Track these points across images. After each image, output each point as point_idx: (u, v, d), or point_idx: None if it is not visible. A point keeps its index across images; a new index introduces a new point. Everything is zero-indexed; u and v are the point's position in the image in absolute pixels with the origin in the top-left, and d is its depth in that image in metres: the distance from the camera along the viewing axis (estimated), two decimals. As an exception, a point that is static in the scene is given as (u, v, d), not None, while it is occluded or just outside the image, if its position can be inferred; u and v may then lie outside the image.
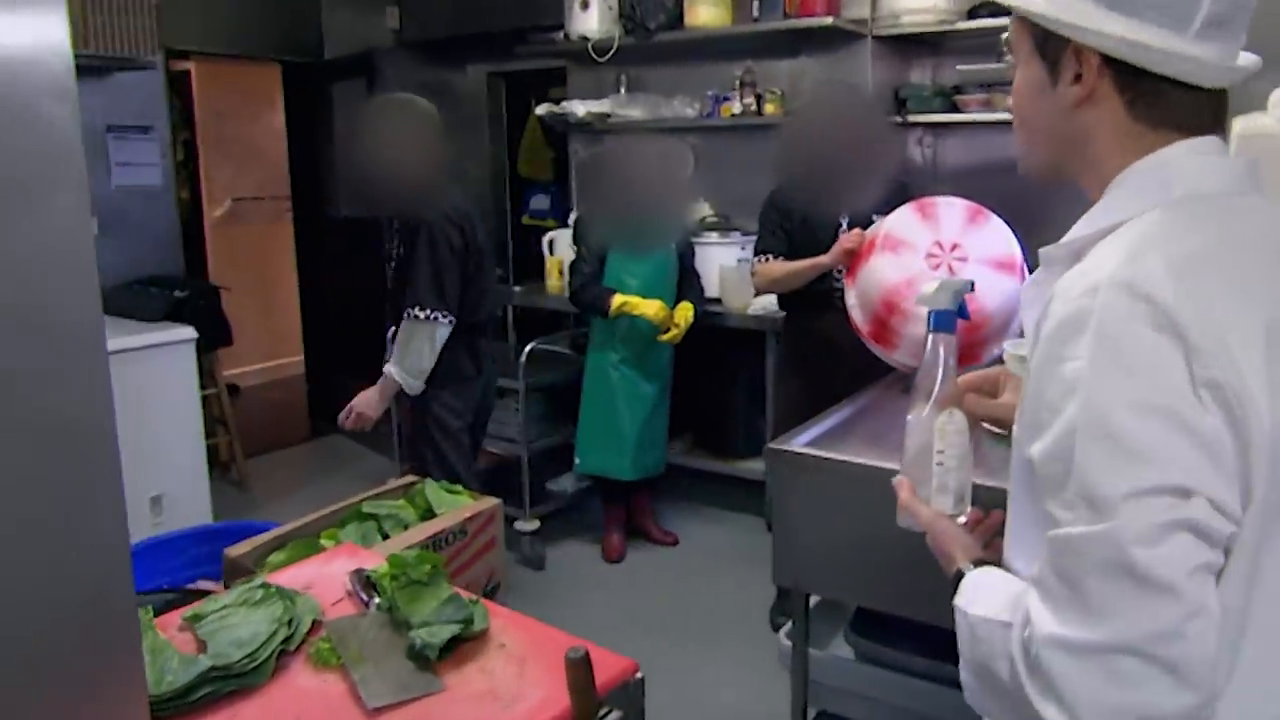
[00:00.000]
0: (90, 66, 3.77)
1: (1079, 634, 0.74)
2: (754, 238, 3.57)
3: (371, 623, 1.19)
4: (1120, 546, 0.72)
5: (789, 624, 1.92)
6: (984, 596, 0.88)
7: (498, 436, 3.65)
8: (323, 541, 1.95)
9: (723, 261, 3.53)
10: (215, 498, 3.93)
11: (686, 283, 3.41)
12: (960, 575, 0.94)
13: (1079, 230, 0.89)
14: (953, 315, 1.05)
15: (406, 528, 2.13)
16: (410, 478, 2.38)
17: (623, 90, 4.03)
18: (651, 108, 3.90)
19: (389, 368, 2.73)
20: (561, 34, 3.97)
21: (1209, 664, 0.72)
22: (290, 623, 1.14)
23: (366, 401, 2.80)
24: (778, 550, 1.81)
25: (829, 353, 2.63)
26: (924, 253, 2.14)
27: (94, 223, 3.86)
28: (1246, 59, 0.87)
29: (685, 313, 3.30)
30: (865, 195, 2.56)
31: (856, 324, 2.26)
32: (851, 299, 2.28)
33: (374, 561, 1.36)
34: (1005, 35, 0.95)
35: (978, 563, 0.96)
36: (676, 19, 3.65)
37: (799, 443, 1.80)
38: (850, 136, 2.49)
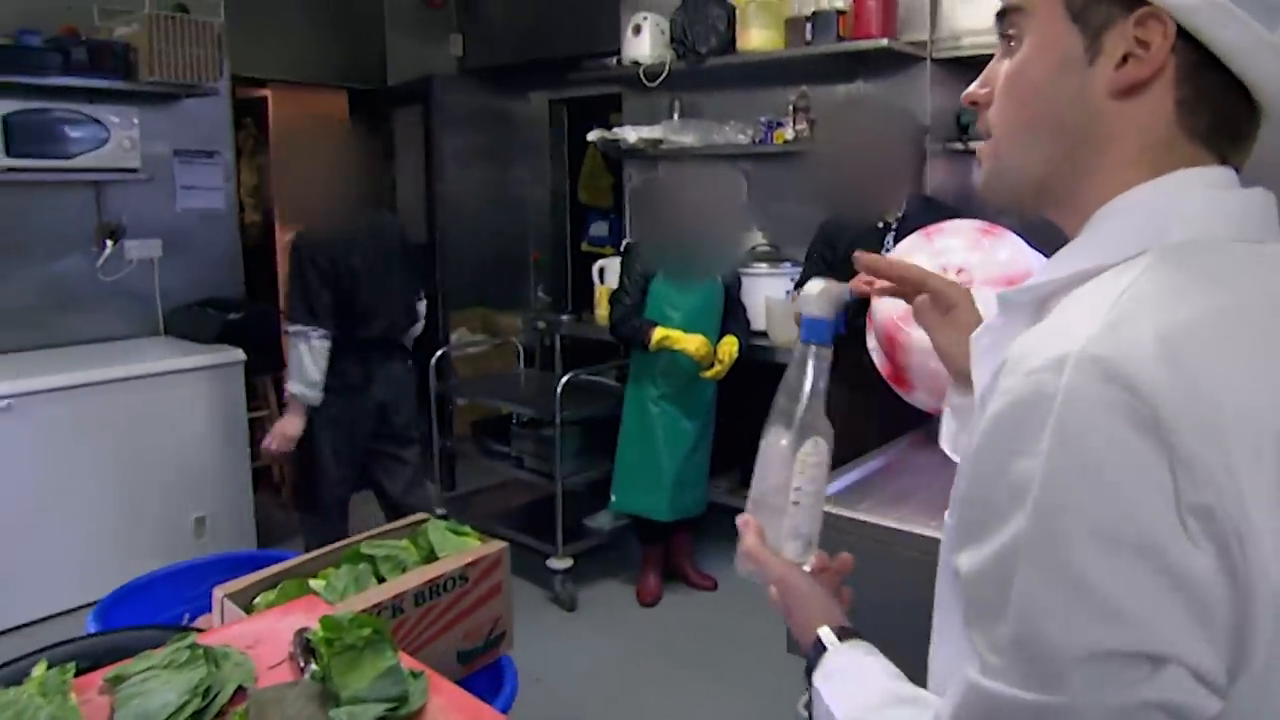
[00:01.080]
0: (158, 94, 3.86)
1: None
2: (806, 266, 3.44)
3: (299, 694, 1.09)
4: None
5: (806, 696, 1.78)
6: (851, 689, 0.74)
7: (534, 470, 3.57)
8: (313, 584, 1.87)
9: (770, 293, 3.39)
10: (264, 521, 3.96)
11: (732, 315, 3.28)
12: (821, 647, 0.79)
13: (1050, 271, 0.70)
14: (827, 325, 0.87)
15: (405, 570, 2.04)
16: (418, 516, 2.29)
17: (675, 116, 3.94)
18: (704, 134, 3.80)
19: (287, 385, 2.93)
20: (615, 60, 3.92)
21: None
22: (207, 692, 1.05)
23: (283, 423, 2.94)
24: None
25: (868, 393, 2.47)
26: None
27: (158, 245, 4.01)
28: None
29: (729, 348, 3.17)
30: (906, 216, 2.45)
31: (878, 367, 2.11)
32: (871, 340, 2.14)
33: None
34: (1007, 3, 0.72)
35: (841, 633, 0.80)
36: (729, 43, 3.55)
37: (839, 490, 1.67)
38: (875, 153, 2.41)
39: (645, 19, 3.72)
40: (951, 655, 0.69)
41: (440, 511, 3.82)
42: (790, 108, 3.50)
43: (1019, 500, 0.58)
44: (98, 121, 3.68)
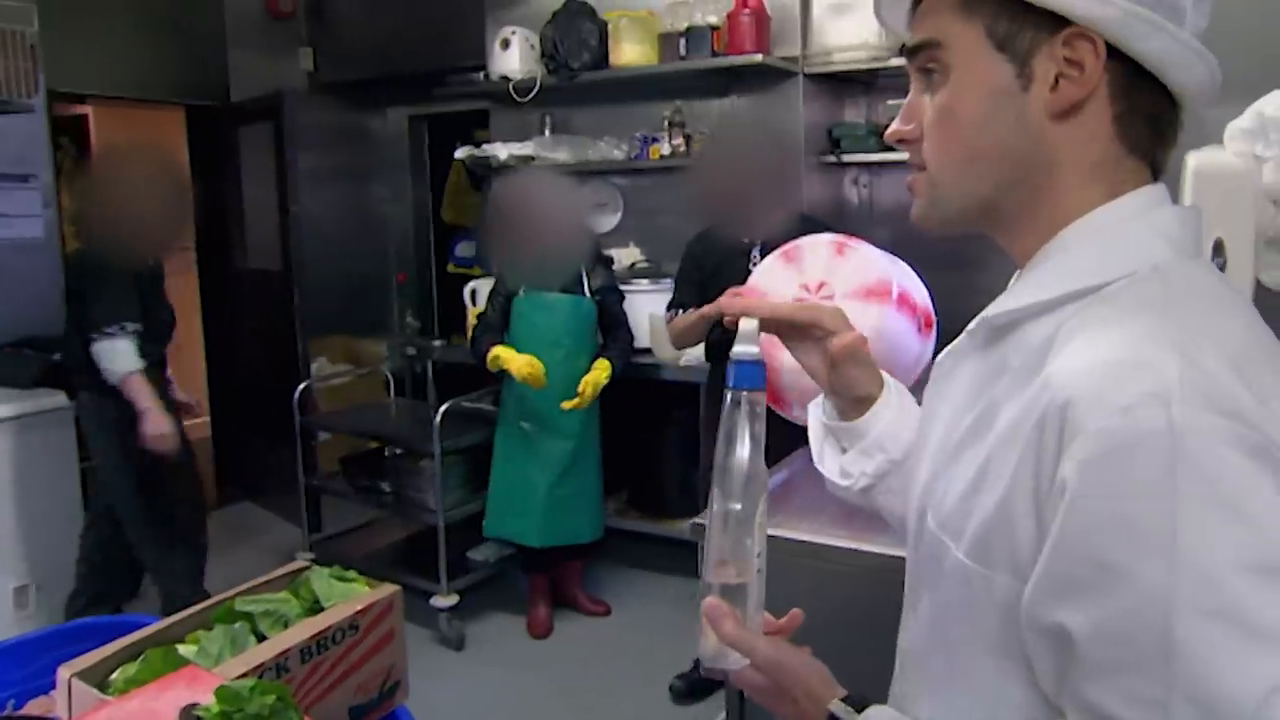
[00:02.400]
0: (-40, 109, 3.46)
1: None
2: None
3: (195, 788, 0.92)
4: None
5: (722, 715, 1.73)
6: None
7: (413, 504, 3.37)
8: (181, 650, 1.65)
9: (652, 310, 3.33)
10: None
11: (611, 334, 3.18)
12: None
13: (1022, 296, 0.68)
14: (762, 368, 0.79)
15: (287, 625, 1.83)
16: (297, 564, 2.08)
17: (547, 132, 3.85)
18: (577, 150, 3.72)
19: (120, 373, 2.82)
20: (482, 75, 3.79)
21: None
22: (75, 801, 0.86)
23: (151, 420, 2.82)
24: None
25: None
26: (791, 299, 2.00)
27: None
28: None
29: (597, 375, 3.03)
30: (773, 234, 2.43)
31: None
32: None
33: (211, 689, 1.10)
34: (926, 34, 0.70)
35: (851, 701, 0.74)
36: (601, 58, 3.49)
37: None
38: (753, 171, 2.38)
39: (514, 33, 3.62)
40: (969, 703, 0.68)
41: (308, 556, 3.56)
42: (665, 123, 3.48)
43: (1149, 548, 0.55)
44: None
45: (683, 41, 3.32)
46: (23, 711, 1.88)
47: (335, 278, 4.58)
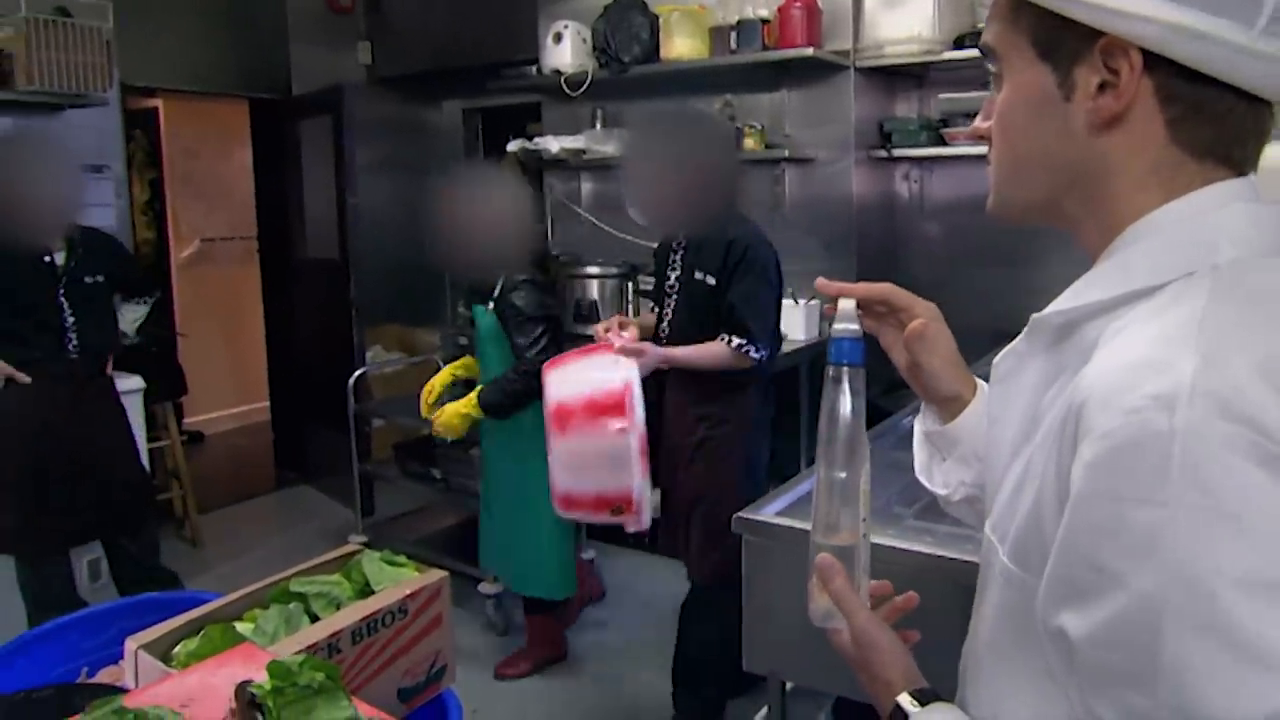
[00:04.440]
0: (38, 104, 3.58)
1: None
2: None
3: (249, 758, 0.97)
4: None
5: (765, 710, 1.74)
6: None
7: (463, 491, 3.44)
8: (239, 627, 1.72)
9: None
10: (166, 557, 3.70)
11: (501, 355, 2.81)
12: (900, 713, 0.73)
13: (1081, 295, 0.67)
14: (863, 345, 0.83)
15: (339, 607, 1.89)
16: (350, 547, 2.14)
17: (598, 125, 3.88)
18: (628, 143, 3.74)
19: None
20: (535, 68, 3.83)
21: None
22: (141, 765, 0.92)
23: None
24: (750, 633, 1.63)
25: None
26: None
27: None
28: None
29: (454, 408, 2.76)
30: (698, 233, 2.43)
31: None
32: None
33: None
34: (986, 39, 0.71)
35: (921, 695, 0.74)
36: (652, 52, 3.50)
37: (769, 511, 1.62)
38: (671, 170, 2.28)
39: (566, 27, 3.65)
40: (1018, 706, 0.67)
41: (360, 539, 3.65)
42: (715, 117, 3.48)
43: (1146, 554, 0.53)
44: (-35, 132, 3.40)
45: (734, 35, 3.31)
46: (95, 680, 1.98)
47: (390, 268, 4.67)
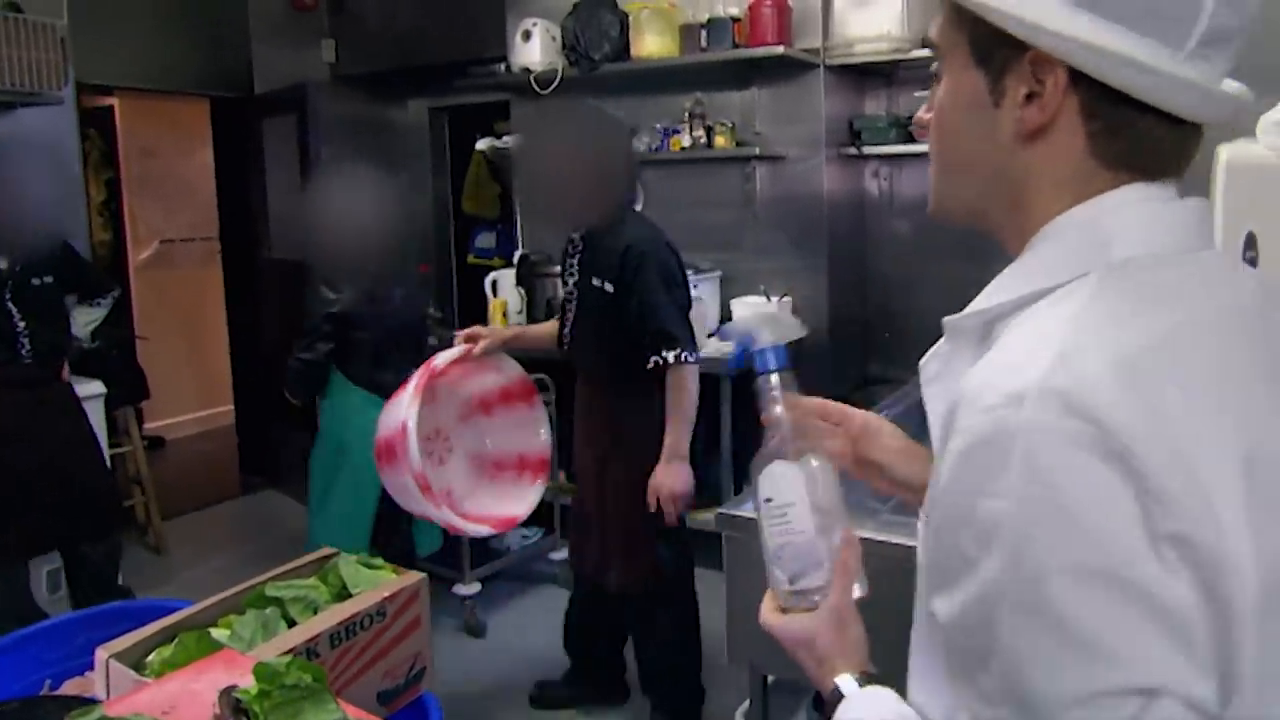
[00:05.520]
0: (-12, 101, 3.50)
1: None
2: (704, 275, 3.41)
3: (236, 766, 0.95)
4: None
5: (746, 704, 1.75)
6: None
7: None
8: (215, 634, 1.68)
9: (674, 302, 3.34)
10: (129, 565, 3.62)
11: None
12: (838, 694, 0.75)
13: (991, 297, 0.68)
14: (783, 349, 0.88)
15: (317, 611, 1.86)
16: (326, 550, 2.11)
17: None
18: (597, 142, 3.73)
19: None
20: (503, 66, 3.81)
21: None
22: (124, 775, 0.90)
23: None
24: (732, 627, 1.64)
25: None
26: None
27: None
28: (1234, 87, 0.65)
29: None
30: (593, 229, 2.38)
31: None
32: None
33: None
34: (931, 33, 0.72)
35: (862, 679, 0.76)
36: (622, 50, 3.50)
37: (749, 507, 1.63)
38: (572, 164, 2.25)
39: (535, 25, 3.63)
40: (926, 698, 0.70)
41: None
42: (686, 114, 3.48)
43: (988, 543, 0.56)
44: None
45: (704, 33, 3.32)
46: (60, 691, 1.93)
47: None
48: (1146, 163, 0.65)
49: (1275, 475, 0.56)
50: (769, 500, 0.82)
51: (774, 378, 0.85)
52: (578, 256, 2.41)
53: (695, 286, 3.33)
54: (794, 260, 3.35)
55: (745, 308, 3.44)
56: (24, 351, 2.85)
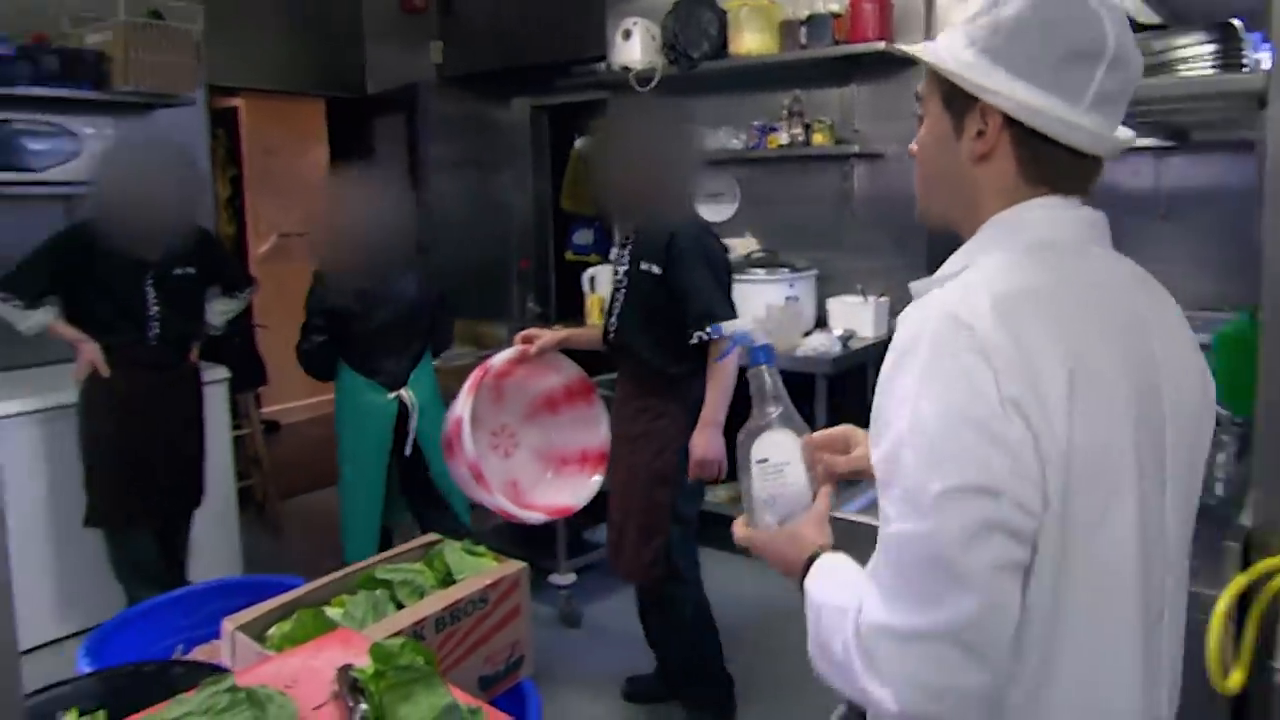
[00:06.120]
0: (132, 104, 3.74)
1: (904, 621, 0.83)
2: (801, 274, 3.40)
3: (355, 739, 1.02)
4: (940, 544, 0.81)
5: (843, 708, 1.73)
6: (830, 583, 0.95)
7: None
8: (329, 612, 1.79)
9: (770, 300, 3.35)
10: (247, 542, 3.85)
11: None
12: (814, 557, 0.99)
13: (943, 270, 0.96)
14: (772, 347, 1.13)
15: (423, 595, 1.95)
16: (431, 536, 2.21)
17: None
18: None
19: None
20: (603, 65, 3.87)
21: (1003, 649, 0.82)
22: (255, 741, 0.98)
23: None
24: None
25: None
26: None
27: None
28: (1124, 133, 0.95)
29: None
30: (643, 228, 2.46)
31: None
32: None
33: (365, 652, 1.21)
34: (918, 89, 1.01)
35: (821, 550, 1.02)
36: (721, 47, 3.51)
37: (851, 509, 1.63)
38: (620, 172, 2.36)
39: (635, 24, 3.67)
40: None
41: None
42: (784, 112, 3.47)
43: (902, 405, 0.85)
44: (69, 133, 3.55)
45: (804, 30, 3.30)
46: (190, 657, 2.08)
47: (461, 263, 4.76)
48: (1058, 182, 0.94)
49: (1089, 380, 0.84)
50: (763, 460, 1.06)
51: (764, 369, 1.10)
52: (629, 247, 2.50)
53: (791, 285, 3.34)
54: (893, 259, 3.31)
55: (843, 307, 3.42)
56: (151, 335, 3.05)
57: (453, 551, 2.10)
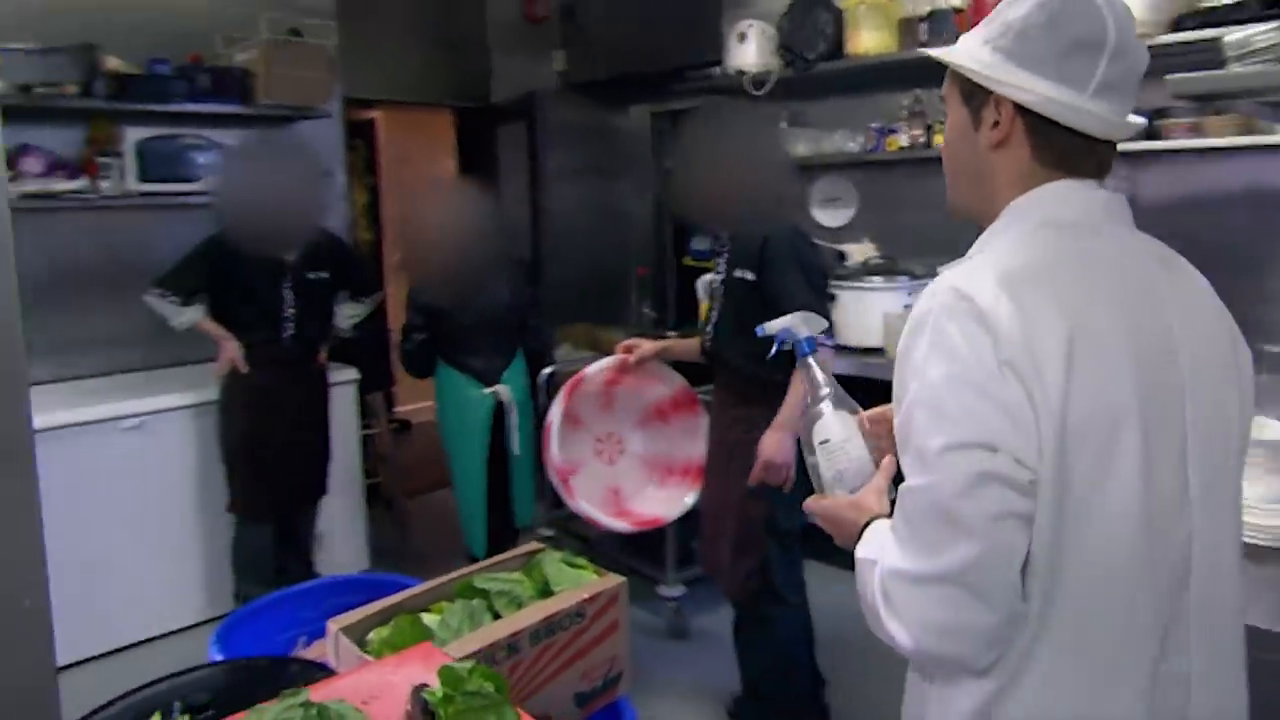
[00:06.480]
0: (274, 116, 3.96)
1: (914, 566, 0.92)
2: (921, 282, 3.28)
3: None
4: (941, 495, 0.90)
5: None
6: (869, 541, 1.03)
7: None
8: (426, 619, 1.84)
9: (887, 308, 3.24)
10: (376, 537, 4.02)
11: None
12: (868, 524, 1.07)
13: (970, 252, 1.05)
14: (814, 339, 1.26)
15: (520, 606, 1.97)
16: (532, 545, 2.23)
17: (783, 124, 3.83)
18: (813, 142, 3.68)
19: None
20: (719, 69, 3.83)
21: (1008, 591, 0.90)
22: (325, 758, 1.01)
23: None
24: None
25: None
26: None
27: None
28: (1134, 119, 1.03)
29: None
30: (739, 234, 2.45)
31: None
32: None
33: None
34: (942, 90, 1.11)
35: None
36: (837, 48, 3.42)
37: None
38: (717, 177, 2.33)
39: (750, 26, 3.62)
40: None
41: (548, 532, 3.80)
42: (904, 113, 3.35)
43: (916, 372, 0.95)
44: (219, 145, 3.80)
45: (924, 27, 3.17)
46: (309, 650, 2.18)
47: (579, 268, 4.83)
48: (1072, 166, 1.02)
49: (1087, 342, 0.92)
50: (825, 441, 1.15)
51: (811, 359, 1.21)
52: (725, 255, 2.48)
53: (909, 294, 3.22)
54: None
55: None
56: (286, 335, 3.23)
57: (551, 562, 2.11)
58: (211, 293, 3.20)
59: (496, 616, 1.92)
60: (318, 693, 1.15)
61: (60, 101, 3.34)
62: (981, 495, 0.87)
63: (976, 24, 3.16)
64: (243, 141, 3.71)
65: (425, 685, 1.20)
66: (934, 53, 1.08)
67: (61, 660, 3.41)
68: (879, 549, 0.98)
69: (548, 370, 3.92)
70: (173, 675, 1.47)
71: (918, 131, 3.31)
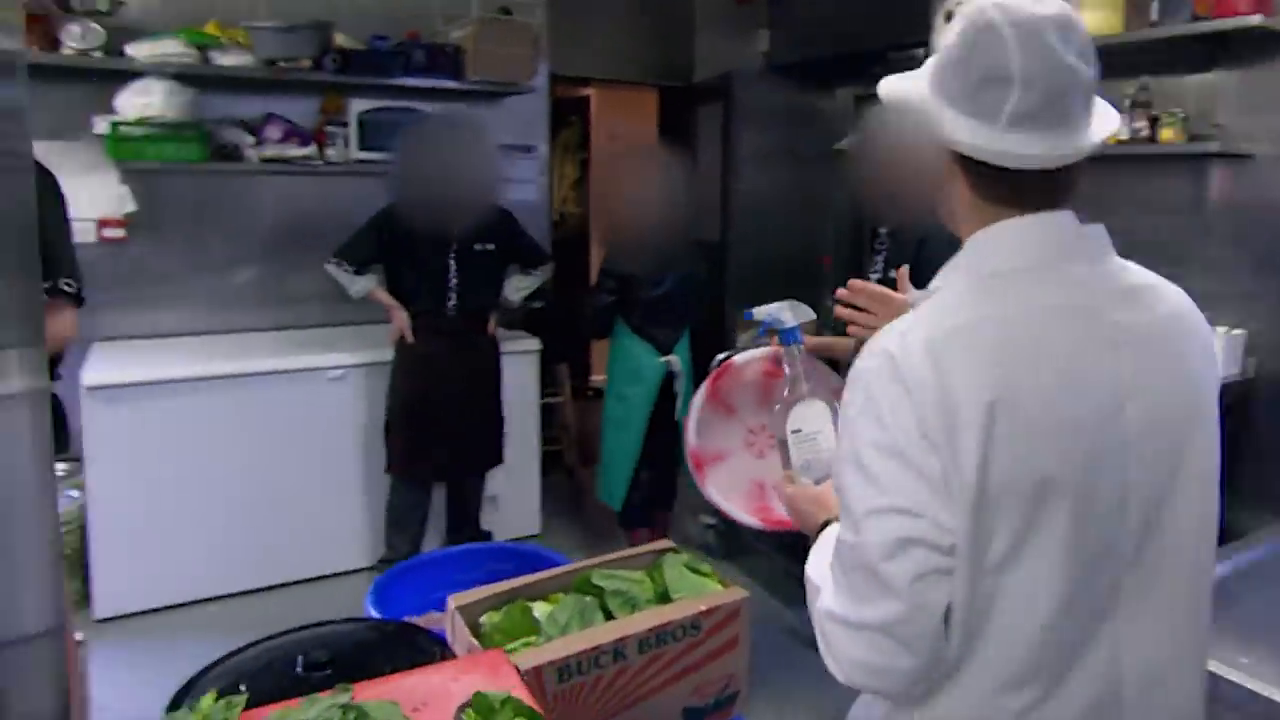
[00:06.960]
0: (484, 92, 4.15)
1: (845, 612, 0.98)
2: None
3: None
4: (869, 556, 0.94)
5: None
6: (819, 553, 1.10)
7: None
8: (536, 610, 1.85)
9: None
10: (551, 503, 4.17)
11: None
12: (827, 524, 1.15)
13: (931, 284, 1.06)
14: (799, 330, 1.32)
15: (635, 609, 1.93)
16: (661, 544, 2.19)
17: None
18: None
19: None
20: (923, 51, 3.59)
21: (930, 640, 0.94)
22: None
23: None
24: None
25: None
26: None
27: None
28: (1072, 145, 0.98)
29: None
30: (900, 226, 2.41)
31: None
32: None
33: (511, 681, 1.24)
34: None
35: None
36: (1055, 29, 3.09)
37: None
38: (887, 168, 2.11)
39: (959, 4, 3.35)
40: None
41: (710, 521, 3.79)
42: (1126, 102, 2.99)
43: (849, 429, 0.99)
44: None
45: (1155, 5, 2.80)
46: (443, 619, 2.27)
47: (766, 253, 4.73)
48: (1016, 199, 1.00)
49: (1010, 413, 0.92)
50: (797, 431, 1.21)
51: (794, 348, 1.26)
52: (882, 253, 2.41)
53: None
54: (1253, 284, 2.74)
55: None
56: (449, 305, 3.39)
57: (674, 566, 2.06)
58: (384, 263, 3.41)
59: (610, 616, 1.89)
60: (377, 688, 1.18)
61: (296, 74, 3.67)
62: (904, 558, 0.92)
63: (1222, 2, 2.78)
64: (418, 119, 3.93)
65: (468, 707, 1.20)
66: (879, 89, 1.14)
67: (237, 588, 3.76)
68: (823, 576, 1.04)
69: (722, 356, 3.88)
70: (300, 628, 1.55)
71: (1140, 124, 2.94)
